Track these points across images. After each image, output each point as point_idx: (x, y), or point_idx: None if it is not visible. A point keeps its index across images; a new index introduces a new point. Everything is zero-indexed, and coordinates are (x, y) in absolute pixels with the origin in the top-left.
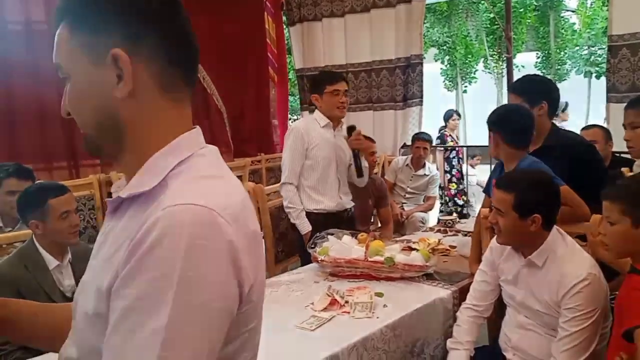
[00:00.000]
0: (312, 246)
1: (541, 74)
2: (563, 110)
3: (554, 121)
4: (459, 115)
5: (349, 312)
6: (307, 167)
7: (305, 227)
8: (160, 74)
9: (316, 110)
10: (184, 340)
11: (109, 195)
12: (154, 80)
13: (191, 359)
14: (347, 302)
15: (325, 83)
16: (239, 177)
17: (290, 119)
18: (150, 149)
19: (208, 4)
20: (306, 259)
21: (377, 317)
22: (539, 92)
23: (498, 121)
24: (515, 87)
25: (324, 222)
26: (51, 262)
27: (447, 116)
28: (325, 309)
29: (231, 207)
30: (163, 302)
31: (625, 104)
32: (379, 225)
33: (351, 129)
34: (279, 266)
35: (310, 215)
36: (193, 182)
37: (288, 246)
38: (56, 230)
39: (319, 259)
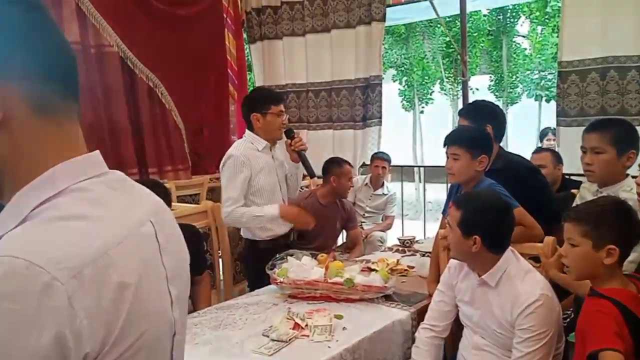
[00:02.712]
0: (271, 267)
1: (490, 99)
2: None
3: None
4: (554, 134)
5: (308, 336)
6: (252, 195)
7: (271, 208)
8: (33, 95)
9: (248, 132)
10: None
11: None
12: (27, 104)
13: None
14: (306, 325)
15: (270, 103)
16: (196, 194)
17: None
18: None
19: (167, 20)
20: (254, 284)
21: (337, 340)
22: (483, 115)
23: (480, 138)
24: (462, 111)
25: (273, 248)
26: None
27: (542, 135)
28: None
29: (75, 258)
30: None
31: (575, 128)
32: (346, 246)
33: (290, 132)
34: (237, 287)
35: (259, 243)
36: (39, 227)
37: (243, 268)
38: None
39: (278, 281)
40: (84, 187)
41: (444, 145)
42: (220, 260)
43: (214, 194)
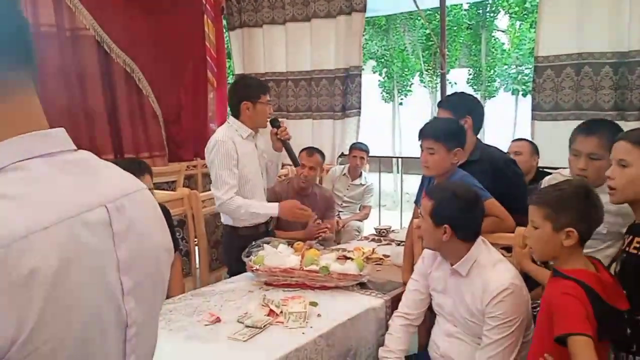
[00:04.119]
0: (247, 255)
1: (469, 92)
2: None
3: None
4: None
5: (282, 322)
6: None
7: (270, 208)
8: None
9: (233, 119)
10: None
11: None
12: None
13: None
14: (281, 311)
15: (260, 92)
16: (173, 182)
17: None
18: None
19: (145, 5)
20: (235, 270)
21: (311, 327)
22: (464, 107)
23: (455, 131)
24: (443, 102)
25: (253, 235)
26: None
27: None
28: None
29: None
30: None
31: (549, 122)
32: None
33: (275, 122)
34: (213, 274)
35: (239, 230)
36: None
37: (222, 254)
38: None
39: (254, 268)
40: (24, 166)
41: (419, 139)
42: (196, 247)
43: (191, 181)
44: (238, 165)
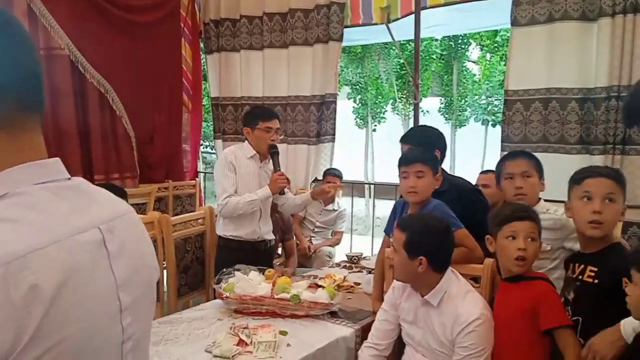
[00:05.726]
0: (218, 282)
1: (440, 121)
2: None
3: None
4: None
5: (251, 352)
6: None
7: (262, 191)
8: None
9: (246, 142)
10: None
11: None
12: None
13: None
14: (251, 341)
15: (259, 119)
16: (143, 204)
17: (202, 145)
18: None
19: (123, 26)
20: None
21: (280, 357)
22: (432, 141)
23: (435, 157)
24: (409, 138)
25: (238, 249)
26: None
27: None
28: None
29: None
30: None
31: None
32: (284, 257)
33: (272, 147)
34: (181, 300)
35: (227, 241)
36: None
37: (192, 280)
38: None
39: (224, 296)
40: (23, 192)
41: (406, 164)
42: (165, 272)
43: (161, 203)
44: (236, 176)
